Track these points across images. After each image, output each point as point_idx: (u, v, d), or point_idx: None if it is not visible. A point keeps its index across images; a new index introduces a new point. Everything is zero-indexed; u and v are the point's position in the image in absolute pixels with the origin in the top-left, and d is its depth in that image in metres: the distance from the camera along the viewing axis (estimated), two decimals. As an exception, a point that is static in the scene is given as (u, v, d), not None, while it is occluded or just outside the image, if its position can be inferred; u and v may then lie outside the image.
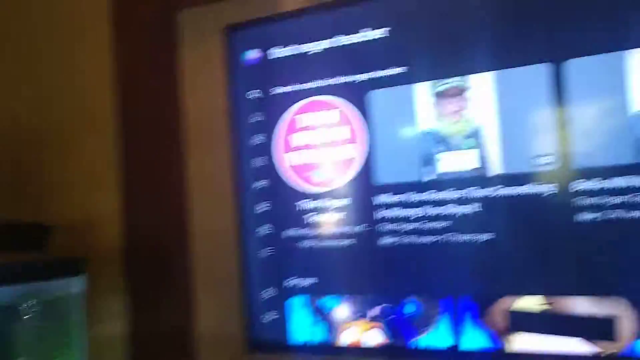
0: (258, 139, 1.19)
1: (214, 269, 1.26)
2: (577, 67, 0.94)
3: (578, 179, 0.94)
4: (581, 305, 0.95)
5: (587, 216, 0.93)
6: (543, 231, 0.97)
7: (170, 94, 1.30)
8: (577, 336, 0.95)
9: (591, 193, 0.93)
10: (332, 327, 1.13)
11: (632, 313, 0.91)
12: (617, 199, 0.92)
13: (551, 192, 0.96)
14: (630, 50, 0.90)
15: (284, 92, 1.16)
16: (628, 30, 0.91)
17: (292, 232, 1.16)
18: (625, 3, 0.92)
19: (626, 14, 0.91)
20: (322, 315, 1.14)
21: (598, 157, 0.93)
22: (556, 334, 0.96)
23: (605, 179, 0.92)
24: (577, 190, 0.94)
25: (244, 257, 1.20)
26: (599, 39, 0.93)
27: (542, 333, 0.97)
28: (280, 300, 1.17)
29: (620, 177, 0.91)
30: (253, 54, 1.19)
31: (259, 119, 1.19)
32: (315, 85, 1.13)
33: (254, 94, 1.19)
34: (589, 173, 0.93)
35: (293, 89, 1.15)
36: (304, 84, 1.14)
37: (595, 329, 0.93)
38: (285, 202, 1.16)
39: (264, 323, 1.19)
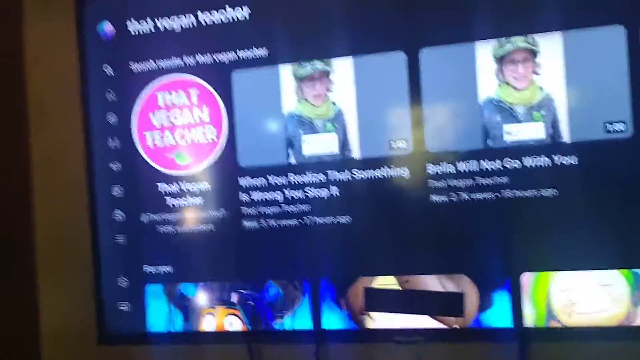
0: (114, 117, 1.12)
1: (63, 257, 1.17)
2: (430, 56, 0.98)
3: (431, 163, 0.98)
4: (431, 283, 0.99)
5: (438, 198, 0.98)
6: (398, 213, 1.00)
7: (14, 67, 1.19)
8: (428, 313, 0.99)
9: (442, 176, 0.98)
10: (190, 315, 1.09)
11: (475, 289, 0.97)
12: (466, 182, 0.97)
13: (406, 176, 0.99)
14: (480, 41, 0.96)
15: (143, 69, 1.10)
16: (478, 22, 0.97)
17: (151, 216, 1.10)
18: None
19: (476, 6, 0.97)
20: (180, 303, 1.09)
21: (449, 143, 0.98)
22: (409, 311, 0.99)
23: (455, 163, 0.97)
24: (429, 174, 0.98)
25: (97, 243, 1.12)
26: (451, 30, 0.97)
27: (396, 311, 1.00)
28: (136, 289, 1.11)
29: (469, 161, 0.97)
30: (109, 27, 1.12)
31: (116, 96, 1.12)
32: (176, 64, 1.08)
33: (111, 69, 1.12)
34: (441, 157, 0.98)
35: (153, 66, 1.09)
36: (165, 61, 1.09)
37: (445, 305, 0.98)
38: (143, 185, 1.11)
39: (119, 313, 1.12)
